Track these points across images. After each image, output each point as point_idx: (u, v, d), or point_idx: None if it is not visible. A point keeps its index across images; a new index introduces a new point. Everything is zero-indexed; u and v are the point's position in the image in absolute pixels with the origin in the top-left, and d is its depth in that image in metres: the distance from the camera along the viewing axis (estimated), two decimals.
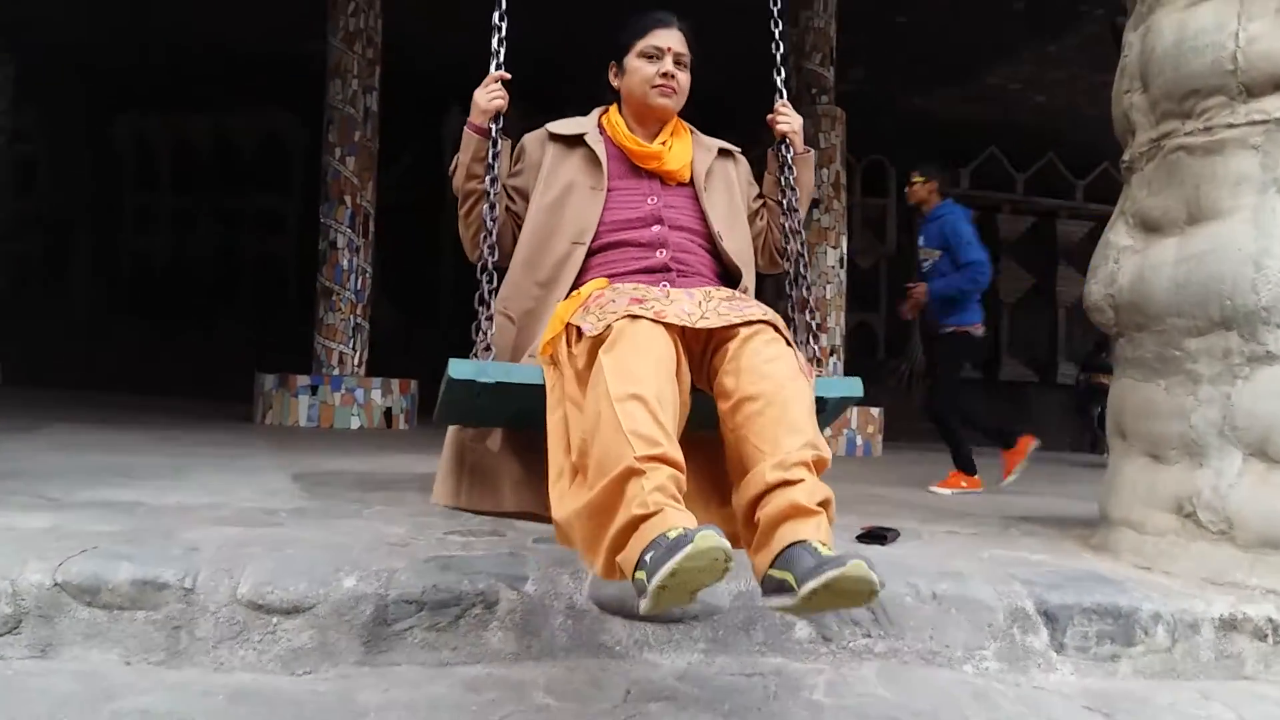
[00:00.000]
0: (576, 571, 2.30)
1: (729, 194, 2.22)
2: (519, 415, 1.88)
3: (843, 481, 5.34)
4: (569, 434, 1.64)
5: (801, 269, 2.16)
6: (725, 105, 13.49)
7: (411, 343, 12.90)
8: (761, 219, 2.31)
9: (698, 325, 1.73)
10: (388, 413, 8.46)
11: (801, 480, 1.57)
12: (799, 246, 2.19)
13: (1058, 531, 3.56)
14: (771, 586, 1.47)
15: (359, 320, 8.75)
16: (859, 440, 8.76)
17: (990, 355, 16.45)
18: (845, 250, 9.31)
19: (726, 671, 2.13)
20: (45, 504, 2.89)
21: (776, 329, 1.80)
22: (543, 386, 1.76)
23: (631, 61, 2.17)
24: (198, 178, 15.20)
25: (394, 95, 11.45)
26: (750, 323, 1.76)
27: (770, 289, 7.47)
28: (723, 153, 2.27)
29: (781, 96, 2.26)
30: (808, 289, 2.15)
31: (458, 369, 1.76)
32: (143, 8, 12.53)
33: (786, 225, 2.20)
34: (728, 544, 1.35)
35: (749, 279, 2.13)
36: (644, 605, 1.37)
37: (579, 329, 1.75)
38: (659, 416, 1.53)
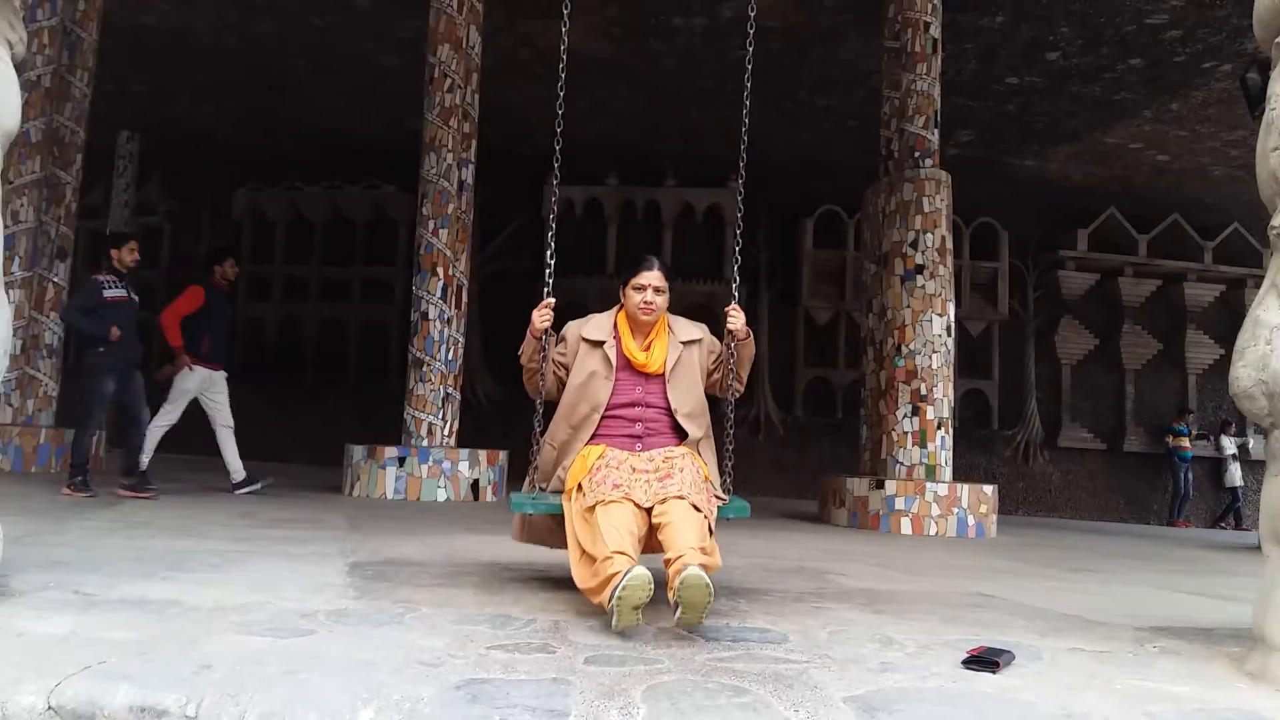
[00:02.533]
0: (625, 706, 1.99)
1: (689, 373, 3.47)
2: (552, 512, 3.30)
3: (951, 577, 4.86)
4: (578, 537, 3.02)
5: (728, 409, 3.54)
6: (823, 162, 13.27)
7: (512, 412, 12.84)
8: (718, 372, 3.54)
9: (645, 505, 3.03)
10: (475, 485, 8.31)
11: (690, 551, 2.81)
12: (732, 395, 3.51)
13: (1203, 647, 3.06)
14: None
15: (449, 391, 8.67)
16: (970, 520, 8.16)
17: (1115, 424, 15.50)
18: (953, 316, 8.81)
19: None
20: (75, 602, 2.73)
21: (684, 498, 3.02)
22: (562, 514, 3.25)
23: (628, 291, 3.46)
24: (311, 248, 15.64)
25: (498, 168, 11.57)
26: (668, 499, 3.02)
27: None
28: (688, 342, 3.50)
29: (733, 300, 3.58)
30: (731, 428, 3.54)
31: (517, 502, 3.32)
32: (265, 97, 13.08)
33: (731, 380, 3.50)
34: (649, 574, 2.65)
35: (696, 430, 3.42)
36: (613, 623, 2.66)
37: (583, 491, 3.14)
38: (624, 540, 2.85)
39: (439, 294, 8.64)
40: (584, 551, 2.95)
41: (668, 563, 2.81)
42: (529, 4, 9.90)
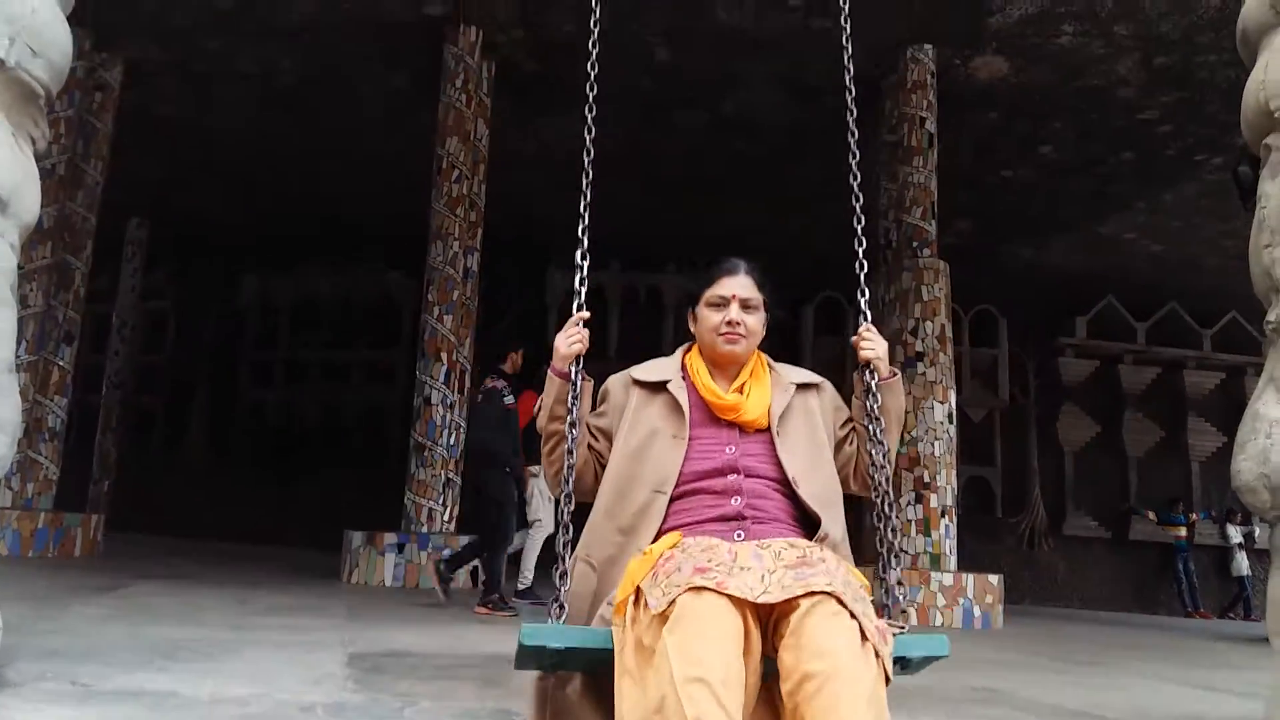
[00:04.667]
0: None
1: (810, 432, 2.14)
2: (593, 663, 1.77)
3: (954, 669, 4.78)
4: (632, 683, 1.60)
5: (886, 507, 2.04)
6: (820, 251, 13.33)
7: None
8: (851, 444, 2.22)
9: (759, 600, 1.64)
10: (474, 573, 8.23)
11: None
12: (885, 480, 2.08)
13: None
14: None
15: (450, 476, 8.65)
16: (976, 611, 8.06)
17: (1122, 513, 15.39)
18: (954, 403, 8.84)
19: None
20: (69, 693, 2.69)
21: (840, 601, 1.64)
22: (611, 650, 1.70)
23: (702, 310, 2.20)
24: (314, 333, 15.79)
25: (500, 253, 11.74)
26: (812, 593, 1.64)
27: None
28: (802, 387, 2.20)
29: (865, 319, 2.22)
30: (894, 531, 2.03)
31: (530, 636, 1.68)
32: (273, 184, 13.37)
33: (874, 454, 2.10)
34: None
35: (830, 522, 2.01)
36: None
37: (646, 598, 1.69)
38: (723, 700, 1.50)
39: (442, 379, 8.69)
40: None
41: None
42: (537, 100, 10.19)
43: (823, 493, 2.04)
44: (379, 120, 11.10)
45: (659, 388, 2.14)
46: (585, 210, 2.23)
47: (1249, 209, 3.01)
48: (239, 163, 12.65)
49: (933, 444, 8.53)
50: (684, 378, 2.17)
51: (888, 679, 1.61)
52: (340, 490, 14.65)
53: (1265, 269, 2.83)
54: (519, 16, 9.28)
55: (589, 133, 2.31)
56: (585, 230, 2.20)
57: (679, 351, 2.26)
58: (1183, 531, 14.62)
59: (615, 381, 2.21)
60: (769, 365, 2.23)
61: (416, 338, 9.08)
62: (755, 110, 10.49)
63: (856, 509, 2.55)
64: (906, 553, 8.42)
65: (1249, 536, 14.88)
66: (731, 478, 2.00)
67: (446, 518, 8.57)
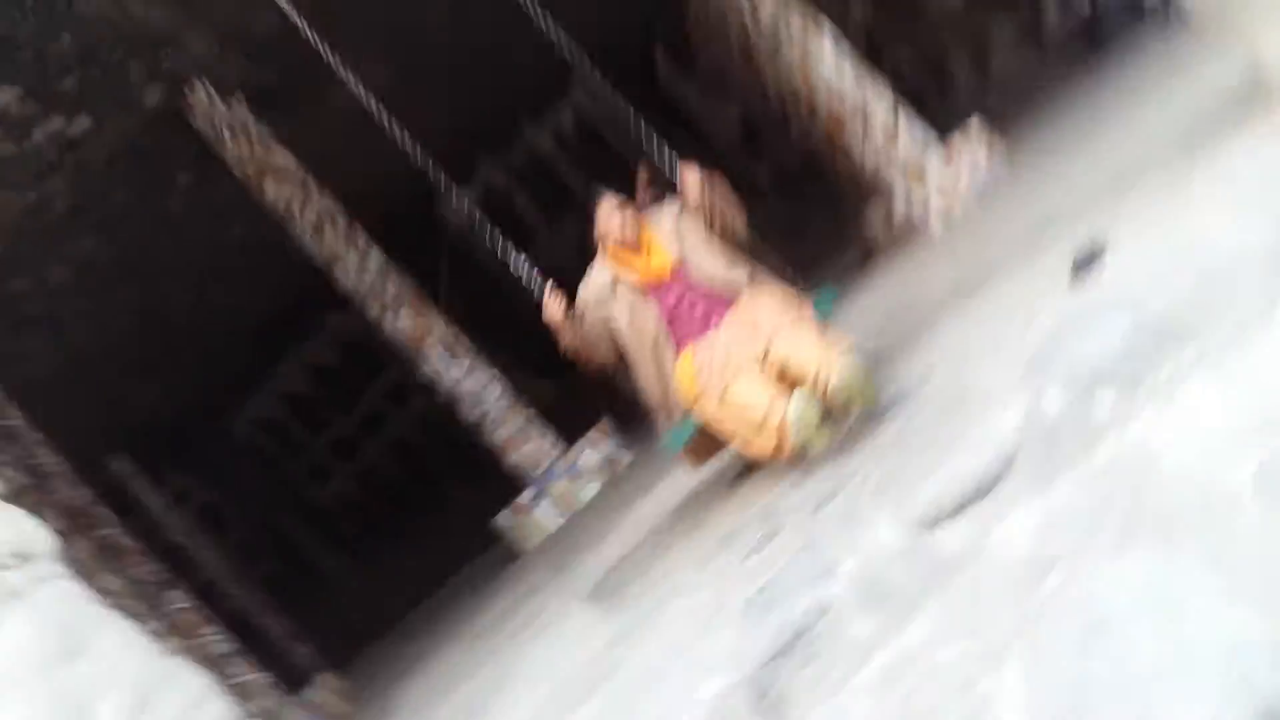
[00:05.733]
0: None
1: (698, 246, 3.45)
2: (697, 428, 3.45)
3: None
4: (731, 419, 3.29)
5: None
6: None
7: None
8: (716, 221, 3.45)
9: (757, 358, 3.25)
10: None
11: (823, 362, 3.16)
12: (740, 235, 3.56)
13: None
14: None
15: None
16: None
17: None
18: None
19: None
20: None
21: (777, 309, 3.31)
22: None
23: (599, 241, 3.59)
24: None
25: None
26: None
27: None
28: (674, 222, 3.48)
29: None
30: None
31: (674, 439, 3.47)
32: None
33: (730, 223, 3.51)
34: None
35: (741, 277, 3.39)
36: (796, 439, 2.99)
37: None
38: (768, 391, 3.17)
39: None
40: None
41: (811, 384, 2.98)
42: None
43: (724, 271, 3.36)
44: None
45: (611, 289, 3.47)
46: None
47: None
48: None
49: None
50: (617, 271, 3.49)
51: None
52: None
53: None
54: None
55: None
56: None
57: (600, 256, 3.55)
58: None
59: (583, 298, 3.50)
60: (650, 222, 3.52)
61: None
62: None
63: None
64: None
65: None
66: (686, 301, 3.37)
67: None
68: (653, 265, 3.34)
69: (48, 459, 4.90)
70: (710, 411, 3.18)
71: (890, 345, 3.87)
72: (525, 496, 7.36)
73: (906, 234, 6.94)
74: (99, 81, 6.00)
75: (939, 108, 8.34)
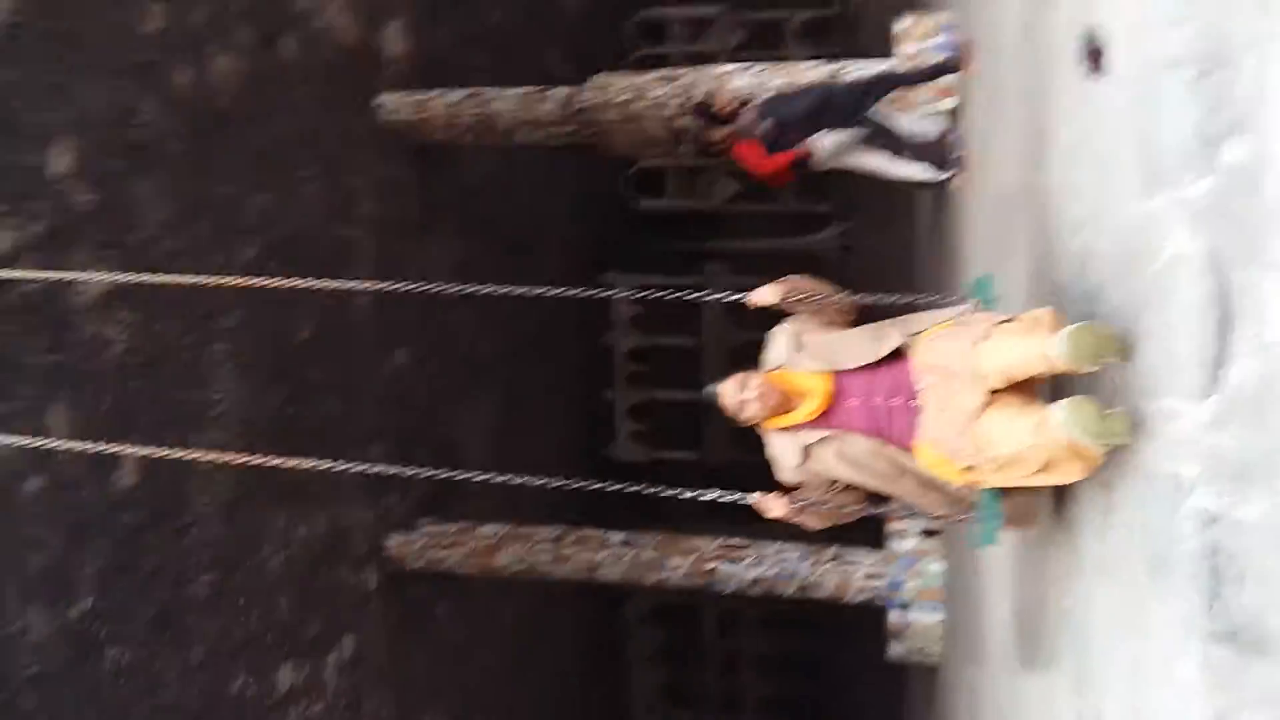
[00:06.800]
0: None
1: (830, 345, 3.11)
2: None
3: None
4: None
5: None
6: None
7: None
8: (824, 314, 3.21)
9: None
10: None
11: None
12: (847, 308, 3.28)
13: None
14: None
15: None
16: None
17: None
18: None
19: None
20: None
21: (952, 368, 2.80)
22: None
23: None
24: None
25: None
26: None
27: None
28: (797, 340, 3.13)
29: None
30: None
31: (986, 536, 3.03)
32: None
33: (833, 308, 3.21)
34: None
35: (895, 337, 2.98)
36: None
37: None
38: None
39: None
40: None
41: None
42: None
43: (869, 344, 3.00)
44: None
45: (793, 436, 3.12)
46: None
47: None
48: None
49: None
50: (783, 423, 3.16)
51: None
52: None
53: None
54: None
55: None
56: None
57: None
58: None
59: (774, 449, 3.17)
60: (769, 361, 3.21)
61: None
62: None
63: None
64: None
65: None
66: (861, 399, 3.00)
67: None
68: (813, 397, 2.97)
69: None
70: (995, 479, 2.73)
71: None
72: (893, 618, 7.06)
73: None
74: None
75: None
